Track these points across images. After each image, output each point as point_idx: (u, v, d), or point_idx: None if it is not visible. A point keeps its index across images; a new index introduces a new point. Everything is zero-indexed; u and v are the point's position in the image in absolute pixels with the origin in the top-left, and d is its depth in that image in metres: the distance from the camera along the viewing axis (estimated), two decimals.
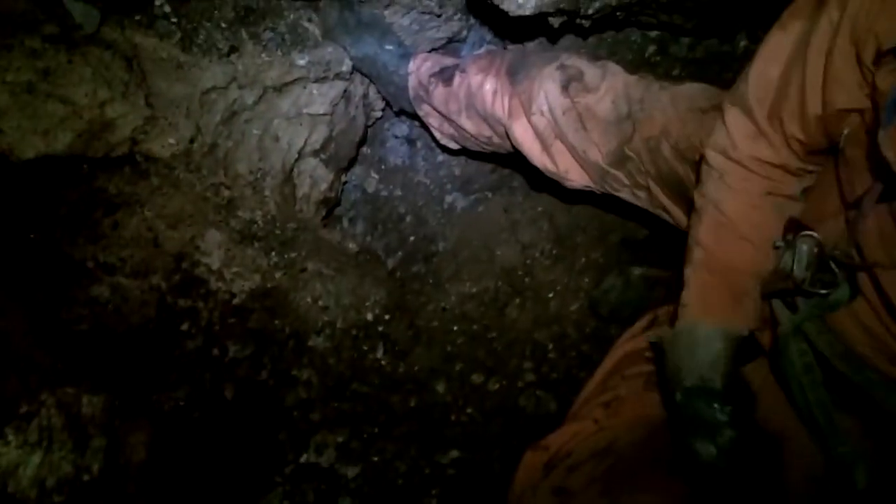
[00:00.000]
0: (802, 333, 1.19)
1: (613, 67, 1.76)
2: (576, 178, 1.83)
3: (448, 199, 2.68)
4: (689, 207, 1.60)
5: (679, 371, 1.30)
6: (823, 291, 1.14)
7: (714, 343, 1.29)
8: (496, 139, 2.02)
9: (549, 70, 1.78)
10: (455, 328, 2.18)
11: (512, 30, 2.28)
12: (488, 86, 1.91)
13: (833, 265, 1.13)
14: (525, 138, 1.84)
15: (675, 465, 1.33)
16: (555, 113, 1.75)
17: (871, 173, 1.06)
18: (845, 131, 1.11)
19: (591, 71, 1.76)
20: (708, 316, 1.30)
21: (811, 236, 1.17)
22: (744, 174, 1.27)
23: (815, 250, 1.16)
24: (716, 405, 1.26)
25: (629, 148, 1.66)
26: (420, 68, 2.12)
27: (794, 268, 1.17)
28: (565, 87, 1.74)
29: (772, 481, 1.27)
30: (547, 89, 1.76)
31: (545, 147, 1.82)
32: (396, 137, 2.70)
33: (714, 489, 1.29)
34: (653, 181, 1.66)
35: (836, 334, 1.14)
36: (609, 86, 1.72)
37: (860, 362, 1.11)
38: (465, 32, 2.34)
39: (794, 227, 1.22)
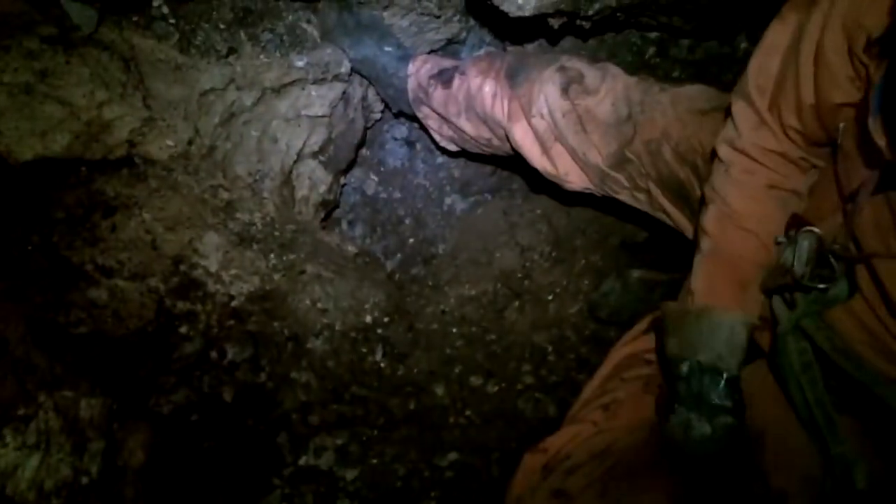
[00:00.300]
0: (801, 331, 1.19)
1: (613, 69, 1.76)
2: (575, 180, 1.83)
3: (447, 201, 2.68)
4: (690, 210, 1.61)
5: (694, 346, 1.30)
6: (822, 286, 1.14)
7: (736, 329, 1.29)
8: (495, 141, 2.02)
9: (548, 72, 1.78)
10: (454, 331, 2.17)
11: (511, 31, 2.28)
12: (488, 88, 1.91)
13: (832, 260, 1.13)
14: (525, 141, 1.84)
15: (675, 466, 1.33)
16: (554, 115, 1.75)
17: (866, 164, 1.07)
18: (841, 125, 1.12)
19: (590, 73, 1.76)
20: (717, 304, 1.31)
21: (812, 232, 1.17)
22: (748, 165, 1.29)
23: (815, 245, 1.16)
24: (723, 389, 1.27)
25: (629, 150, 1.66)
26: (419, 70, 2.12)
27: (794, 263, 1.18)
28: (565, 90, 1.74)
29: (751, 486, 1.27)
30: (547, 92, 1.75)
31: (545, 149, 1.82)
32: (395, 139, 2.70)
33: (694, 470, 1.30)
34: (653, 184, 1.66)
35: (834, 332, 1.14)
36: (609, 88, 1.72)
37: (859, 360, 1.11)
38: (464, 34, 2.34)
39: (795, 223, 1.23)
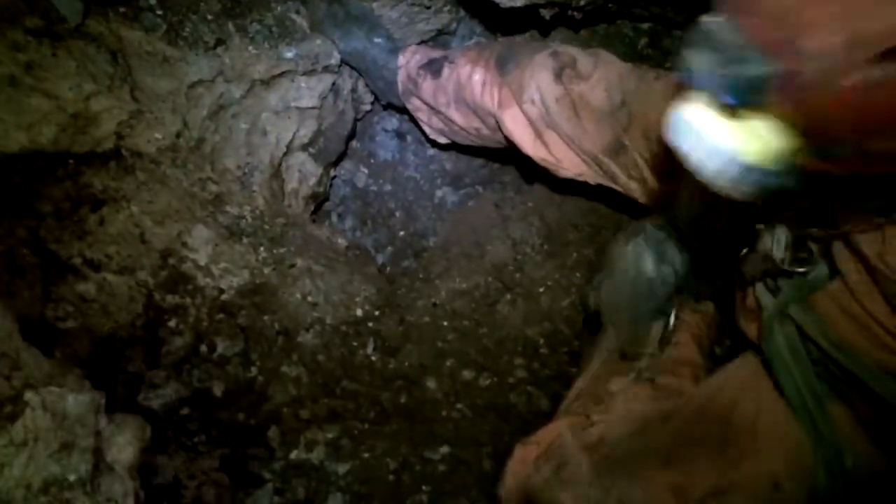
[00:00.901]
0: (789, 318, 1.19)
1: (606, 56, 1.75)
2: (569, 167, 1.81)
3: (438, 193, 2.67)
4: None
5: None
6: (801, 270, 1.15)
7: None
8: (485, 131, 2.01)
9: (540, 58, 1.76)
10: (445, 324, 2.17)
11: (503, 22, 2.27)
12: (477, 76, 1.90)
13: (811, 244, 1.14)
14: (516, 127, 1.83)
15: (668, 456, 1.33)
16: (546, 101, 1.73)
17: None
18: None
19: (583, 59, 1.75)
20: None
21: (788, 215, 1.18)
22: None
23: (793, 230, 1.17)
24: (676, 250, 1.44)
25: (624, 138, 1.65)
26: (409, 62, 2.11)
27: (774, 248, 1.18)
28: (558, 75, 1.73)
29: None
30: (539, 78, 1.74)
31: (538, 135, 1.80)
32: (386, 131, 2.69)
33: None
34: (648, 172, 1.65)
35: (822, 319, 1.15)
36: (602, 74, 1.70)
37: (850, 348, 1.11)
38: (454, 25, 2.33)
39: (772, 209, 1.23)
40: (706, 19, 0.71)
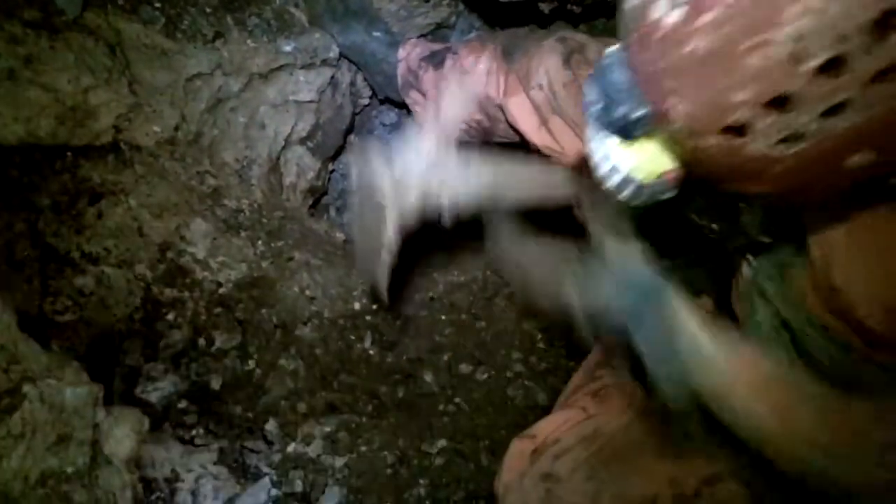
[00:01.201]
0: (769, 301, 1.20)
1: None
2: (573, 154, 1.81)
3: None
4: None
5: None
6: (767, 240, 1.16)
7: None
8: (486, 122, 2.01)
9: (549, 43, 1.76)
10: (443, 318, 2.17)
11: (501, 16, 2.26)
12: (482, 66, 1.89)
13: (782, 219, 1.15)
14: (521, 114, 1.82)
15: (663, 449, 1.34)
16: (554, 87, 1.72)
17: None
18: None
19: (591, 44, 1.74)
20: None
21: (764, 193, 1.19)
22: None
23: (767, 206, 1.18)
24: None
25: None
26: (410, 54, 2.11)
27: (749, 223, 1.19)
28: (567, 60, 1.72)
29: None
30: (549, 64, 1.73)
31: (543, 121, 1.79)
32: (384, 125, 2.68)
33: None
34: None
35: (795, 293, 1.15)
36: None
37: (825, 333, 1.12)
38: (453, 19, 2.32)
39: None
40: (608, 52, 0.77)
